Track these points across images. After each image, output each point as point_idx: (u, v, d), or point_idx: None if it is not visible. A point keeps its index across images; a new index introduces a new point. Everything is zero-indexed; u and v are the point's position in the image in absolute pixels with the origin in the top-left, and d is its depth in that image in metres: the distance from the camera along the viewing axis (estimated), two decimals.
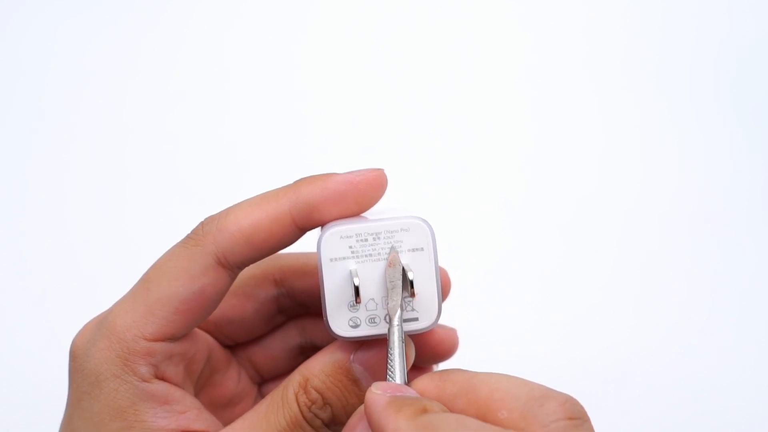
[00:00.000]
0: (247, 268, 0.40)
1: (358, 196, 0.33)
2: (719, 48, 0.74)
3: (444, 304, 0.68)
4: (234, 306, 0.39)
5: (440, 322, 0.39)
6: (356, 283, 0.32)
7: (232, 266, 0.33)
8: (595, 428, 0.28)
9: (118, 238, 0.65)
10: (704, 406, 0.58)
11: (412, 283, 0.32)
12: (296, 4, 0.75)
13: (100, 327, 0.33)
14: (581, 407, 0.28)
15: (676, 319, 0.63)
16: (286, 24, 0.74)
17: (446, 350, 0.39)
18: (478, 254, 0.66)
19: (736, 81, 0.73)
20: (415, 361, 0.41)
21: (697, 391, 0.59)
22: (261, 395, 0.42)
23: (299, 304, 0.40)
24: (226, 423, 0.35)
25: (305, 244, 0.39)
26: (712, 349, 0.61)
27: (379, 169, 0.34)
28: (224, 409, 0.39)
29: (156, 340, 0.33)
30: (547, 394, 0.27)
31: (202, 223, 0.34)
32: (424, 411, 0.27)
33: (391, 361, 0.30)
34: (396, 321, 0.31)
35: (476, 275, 0.64)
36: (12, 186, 0.68)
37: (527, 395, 0.27)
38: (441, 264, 0.42)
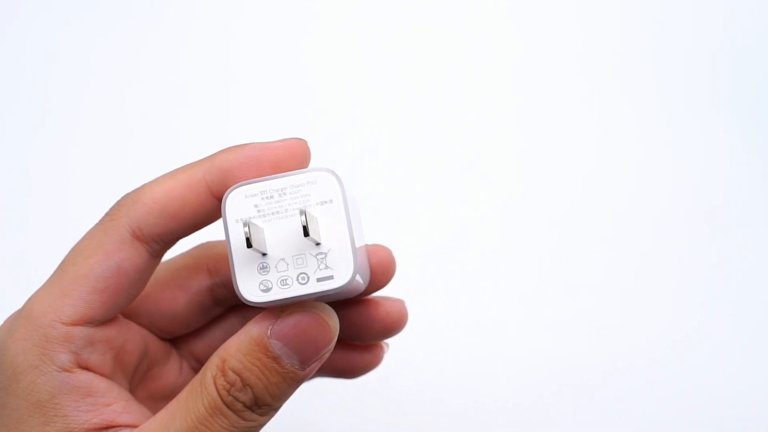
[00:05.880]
0: (179, 259, 0.39)
1: (274, 161, 0.32)
2: (718, 46, 0.72)
3: (439, 299, 0.66)
4: (166, 298, 0.38)
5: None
6: (247, 234, 0.30)
7: (148, 239, 0.33)
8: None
9: None
10: (700, 400, 0.59)
11: (306, 228, 0.30)
12: (297, 3, 0.75)
13: (17, 317, 0.32)
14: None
15: (673, 316, 0.62)
16: (286, 23, 0.74)
17: (394, 322, 0.37)
18: (477, 252, 0.65)
19: (735, 79, 0.71)
20: (362, 337, 0.39)
21: (694, 386, 0.59)
22: None
23: (235, 294, 0.40)
24: None
25: None
26: (709, 346, 0.61)
27: (300, 138, 0.33)
28: (166, 401, 0.38)
29: (75, 323, 0.32)
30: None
31: (117, 201, 0.33)
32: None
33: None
34: None
35: (475, 272, 0.64)
36: (12, 186, 0.68)
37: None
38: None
